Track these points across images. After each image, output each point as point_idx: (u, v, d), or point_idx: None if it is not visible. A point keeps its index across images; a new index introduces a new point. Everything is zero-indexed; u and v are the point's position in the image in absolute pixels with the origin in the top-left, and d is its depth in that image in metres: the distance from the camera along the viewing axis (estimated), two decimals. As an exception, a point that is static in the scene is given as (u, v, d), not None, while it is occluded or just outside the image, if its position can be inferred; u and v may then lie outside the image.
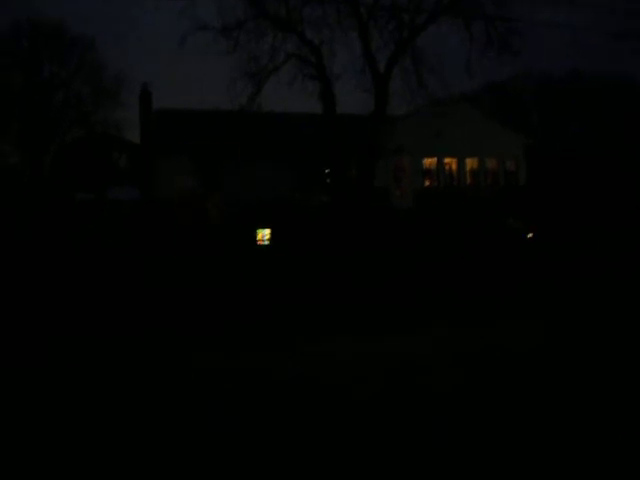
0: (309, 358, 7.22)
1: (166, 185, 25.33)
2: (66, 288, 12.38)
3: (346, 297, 11.99)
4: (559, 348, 7.53)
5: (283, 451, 4.54)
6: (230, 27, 20.56)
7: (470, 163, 27.26)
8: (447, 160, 26.80)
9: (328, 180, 27.42)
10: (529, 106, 44.43)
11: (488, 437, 4.72)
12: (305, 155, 27.35)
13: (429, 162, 26.91)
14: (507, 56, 21.60)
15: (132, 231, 20.64)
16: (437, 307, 10.96)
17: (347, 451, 4.51)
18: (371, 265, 16.10)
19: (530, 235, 22.69)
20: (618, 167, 34.71)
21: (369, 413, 5.33)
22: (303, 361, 7.09)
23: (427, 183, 27.34)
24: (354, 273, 14.81)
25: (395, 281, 13.92)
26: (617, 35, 17.16)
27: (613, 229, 22.50)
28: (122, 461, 4.44)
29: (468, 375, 6.40)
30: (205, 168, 26.66)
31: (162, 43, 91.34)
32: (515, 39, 21.17)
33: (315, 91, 22.13)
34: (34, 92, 36.63)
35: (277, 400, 5.76)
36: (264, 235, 21.68)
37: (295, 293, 12.31)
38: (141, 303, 11.29)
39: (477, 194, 25.86)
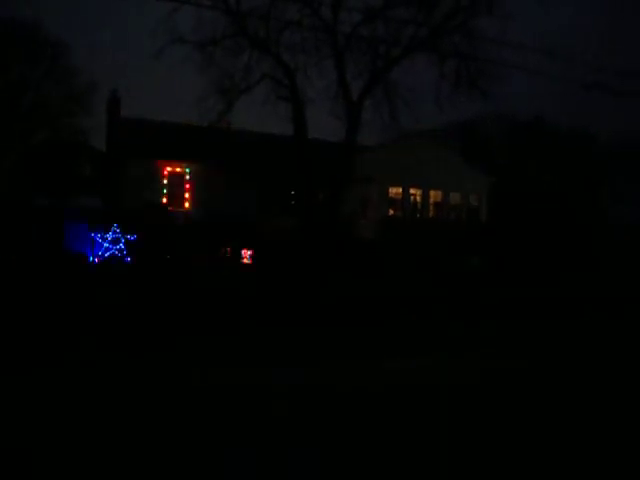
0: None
1: (130, 196, 24.91)
2: None
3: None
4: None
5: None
6: (206, 42, 20.56)
7: (434, 196, 27.71)
8: (412, 192, 27.17)
9: (293, 202, 27.43)
10: (495, 146, 45.61)
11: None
12: (271, 175, 27.42)
13: (395, 192, 27.22)
14: (476, 96, 22.15)
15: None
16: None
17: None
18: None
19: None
20: (574, 211, 35.95)
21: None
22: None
23: (392, 212, 27.63)
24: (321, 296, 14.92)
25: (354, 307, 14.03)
26: (586, 86, 17.66)
27: (566, 269, 23.14)
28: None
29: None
30: (170, 181, 26.40)
31: (137, 53, 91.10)
32: (484, 80, 21.72)
33: (287, 113, 22.23)
34: (1, 92, 35.74)
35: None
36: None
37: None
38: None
39: (440, 227, 26.26)
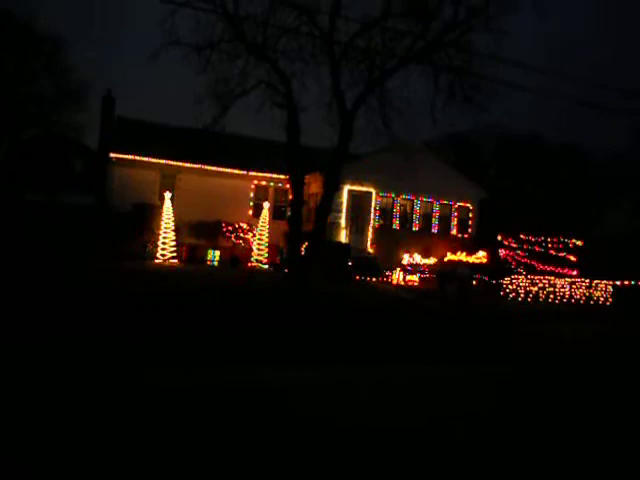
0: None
1: (121, 194, 24.87)
2: None
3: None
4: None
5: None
6: (203, 45, 20.59)
7: (424, 208, 27.80)
8: (402, 202, 27.27)
9: (283, 208, 27.50)
10: (487, 160, 45.95)
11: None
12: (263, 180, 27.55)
13: (385, 202, 27.30)
14: (470, 110, 22.33)
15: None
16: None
17: None
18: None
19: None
20: (564, 227, 36.23)
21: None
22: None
23: (381, 222, 27.70)
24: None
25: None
26: (580, 103, 17.94)
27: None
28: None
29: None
30: (162, 182, 26.38)
31: (134, 53, 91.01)
32: (479, 95, 21.94)
33: (281, 120, 22.29)
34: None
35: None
36: (213, 256, 21.61)
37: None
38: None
39: (429, 238, 26.38)
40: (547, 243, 26.47)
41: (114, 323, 10.96)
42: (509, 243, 26.34)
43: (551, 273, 25.26)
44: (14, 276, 14.58)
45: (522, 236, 26.49)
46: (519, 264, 25.83)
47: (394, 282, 23.98)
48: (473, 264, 24.74)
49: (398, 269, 24.10)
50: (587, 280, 24.22)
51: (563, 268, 25.92)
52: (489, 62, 22.14)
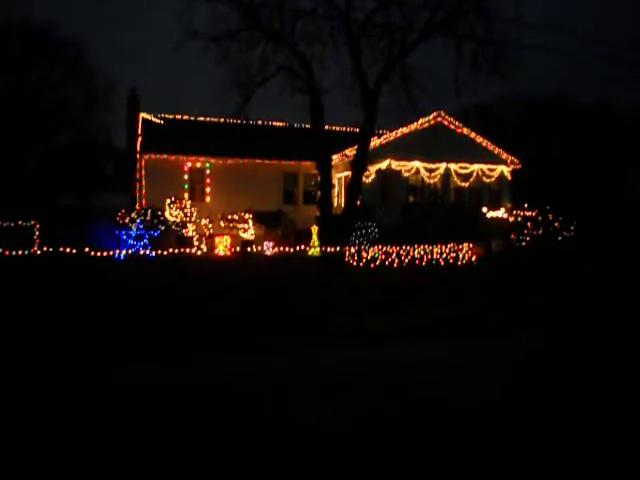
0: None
1: (151, 193, 25.21)
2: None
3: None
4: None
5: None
6: (221, 36, 20.65)
7: (454, 181, 27.47)
8: (432, 177, 26.98)
9: (313, 193, 27.53)
10: (515, 128, 45.03)
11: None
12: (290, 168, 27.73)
13: (414, 179, 27.07)
14: (494, 79, 21.92)
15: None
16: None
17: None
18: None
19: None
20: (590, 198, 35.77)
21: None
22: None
23: (412, 199, 27.49)
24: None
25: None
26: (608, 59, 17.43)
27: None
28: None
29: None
30: (191, 177, 26.68)
31: (155, 50, 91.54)
32: (503, 63, 21.51)
33: (303, 104, 22.28)
34: (23, 94, 36.30)
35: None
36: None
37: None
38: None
39: (460, 212, 26.07)
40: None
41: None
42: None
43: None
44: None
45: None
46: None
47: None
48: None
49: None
50: None
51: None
52: (511, 28, 21.72)
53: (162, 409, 5.92)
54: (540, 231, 25.38)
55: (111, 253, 18.37)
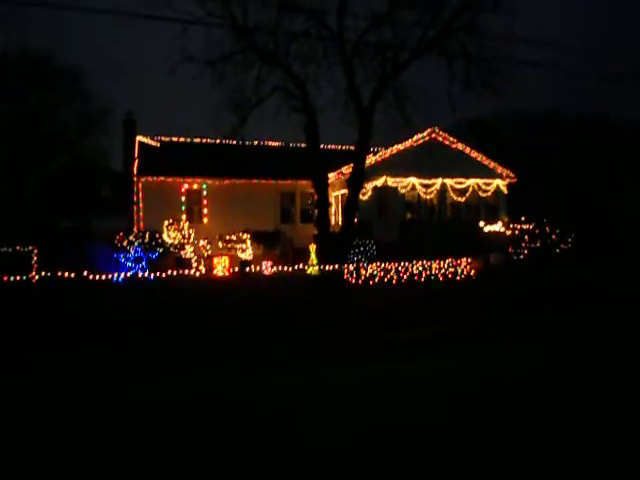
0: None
1: (149, 215, 25.29)
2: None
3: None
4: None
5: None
6: (216, 59, 20.87)
7: (451, 197, 27.61)
8: (428, 193, 27.13)
9: (310, 211, 27.64)
10: (511, 143, 45.34)
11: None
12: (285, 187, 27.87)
13: (410, 195, 27.21)
14: (487, 94, 22.15)
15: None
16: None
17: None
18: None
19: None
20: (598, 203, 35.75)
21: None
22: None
23: (409, 216, 27.60)
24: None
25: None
26: (599, 78, 17.62)
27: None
28: None
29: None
30: (189, 199, 26.79)
31: (151, 74, 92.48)
32: (496, 79, 21.74)
33: (298, 124, 22.49)
34: (21, 121, 36.52)
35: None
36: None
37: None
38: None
39: (458, 227, 26.15)
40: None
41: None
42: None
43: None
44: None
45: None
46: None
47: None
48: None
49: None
50: None
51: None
52: (504, 44, 21.99)
53: (163, 421, 5.92)
54: (538, 244, 25.49)
55: (110, 277, 18.41)
